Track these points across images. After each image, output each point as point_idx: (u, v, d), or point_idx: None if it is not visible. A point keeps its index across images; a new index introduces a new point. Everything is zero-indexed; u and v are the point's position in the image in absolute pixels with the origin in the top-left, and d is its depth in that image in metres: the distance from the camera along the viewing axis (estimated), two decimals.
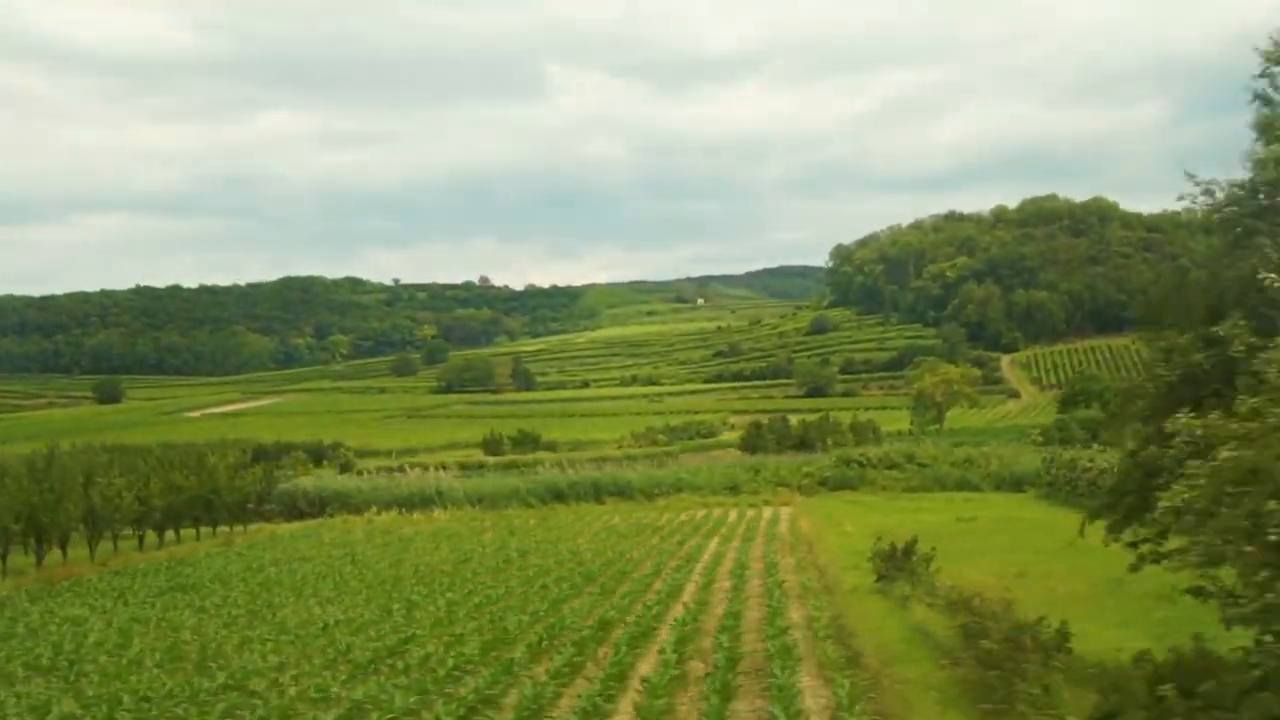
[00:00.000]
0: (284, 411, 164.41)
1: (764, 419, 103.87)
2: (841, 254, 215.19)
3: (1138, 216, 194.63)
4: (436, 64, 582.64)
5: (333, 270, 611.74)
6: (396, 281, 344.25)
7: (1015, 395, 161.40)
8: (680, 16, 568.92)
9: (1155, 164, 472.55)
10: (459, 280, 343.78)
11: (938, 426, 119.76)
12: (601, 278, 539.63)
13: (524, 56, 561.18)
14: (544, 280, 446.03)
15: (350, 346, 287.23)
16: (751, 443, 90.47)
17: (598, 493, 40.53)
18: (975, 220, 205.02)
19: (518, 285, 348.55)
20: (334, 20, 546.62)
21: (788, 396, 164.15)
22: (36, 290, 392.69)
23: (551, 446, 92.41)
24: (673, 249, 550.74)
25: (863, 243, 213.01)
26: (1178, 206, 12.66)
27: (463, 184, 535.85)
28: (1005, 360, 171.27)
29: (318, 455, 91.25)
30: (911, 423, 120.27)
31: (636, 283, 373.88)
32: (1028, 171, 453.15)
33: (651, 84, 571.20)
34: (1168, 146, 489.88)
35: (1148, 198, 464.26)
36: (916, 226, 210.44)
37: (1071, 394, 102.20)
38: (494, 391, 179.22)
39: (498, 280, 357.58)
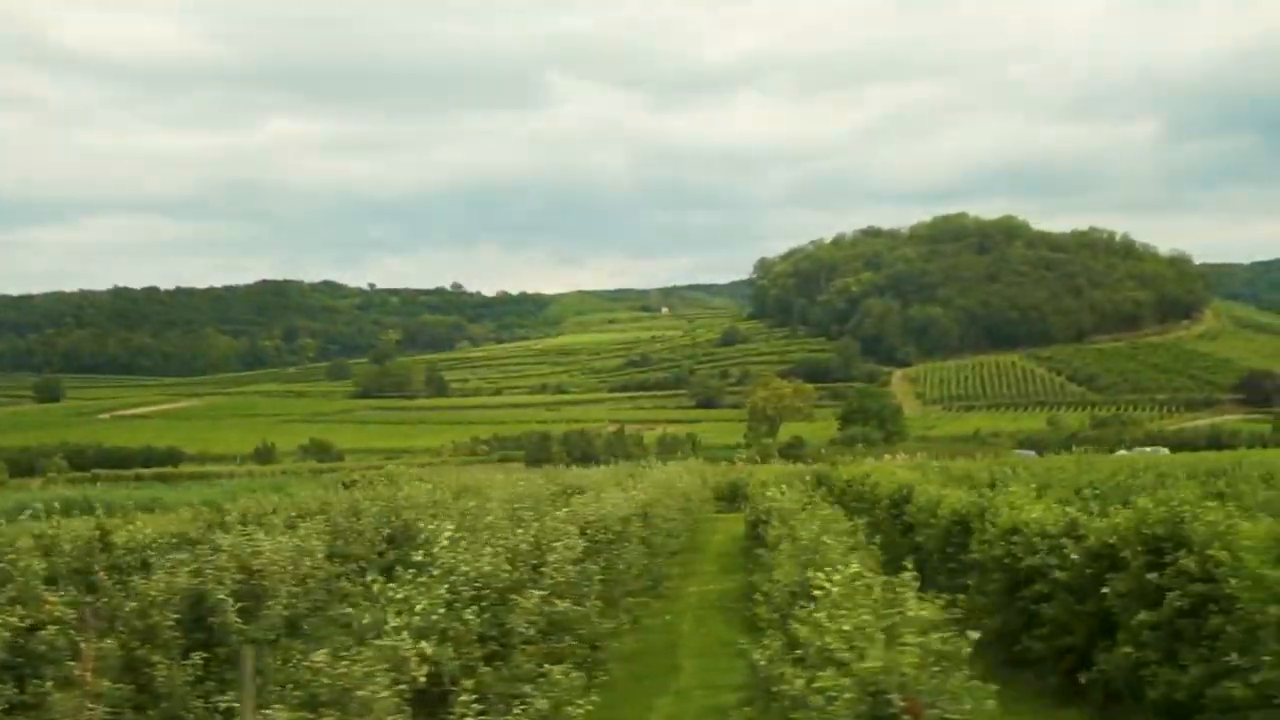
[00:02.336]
0: (191, 415, 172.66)
1: (558, 432, 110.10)
2: (764, 266, 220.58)
3: (1043, 235, 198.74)
4: (442, 74, 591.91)
5: (339, 275, 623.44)
6: (372, 286, 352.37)
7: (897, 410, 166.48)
8: (680, 30, 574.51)
9: (1146, 182, 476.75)
10: (431, 286, 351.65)
11: (770, 440, 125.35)
12: (600, 285, 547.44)
13: (527, 68, 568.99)
14: (550, 287, 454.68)
15: (317, 350, 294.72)
16: (536, 455, 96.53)
17: None
18: (891, 235, 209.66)
19: (513, 290, 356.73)
20: (342, 30, 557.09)
21: (680, 407, 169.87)
22: (37, 289, 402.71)
23: (340, 456, 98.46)
24: (674, 258, 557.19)
25: (785, 256, 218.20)
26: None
27: (467, 191, 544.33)
28: (897, 374, 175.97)
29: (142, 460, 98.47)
30: (745, 436, 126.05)
31: (620, 290, 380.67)
32: (1023, 186, 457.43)
33: (652, 96, 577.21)
34: (1159, 165, 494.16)
35: (1141, 215, 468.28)
36: (837, 243, 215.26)
37: (850, 411, 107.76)
38: (409, 398, 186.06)
39: (488, 288, 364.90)
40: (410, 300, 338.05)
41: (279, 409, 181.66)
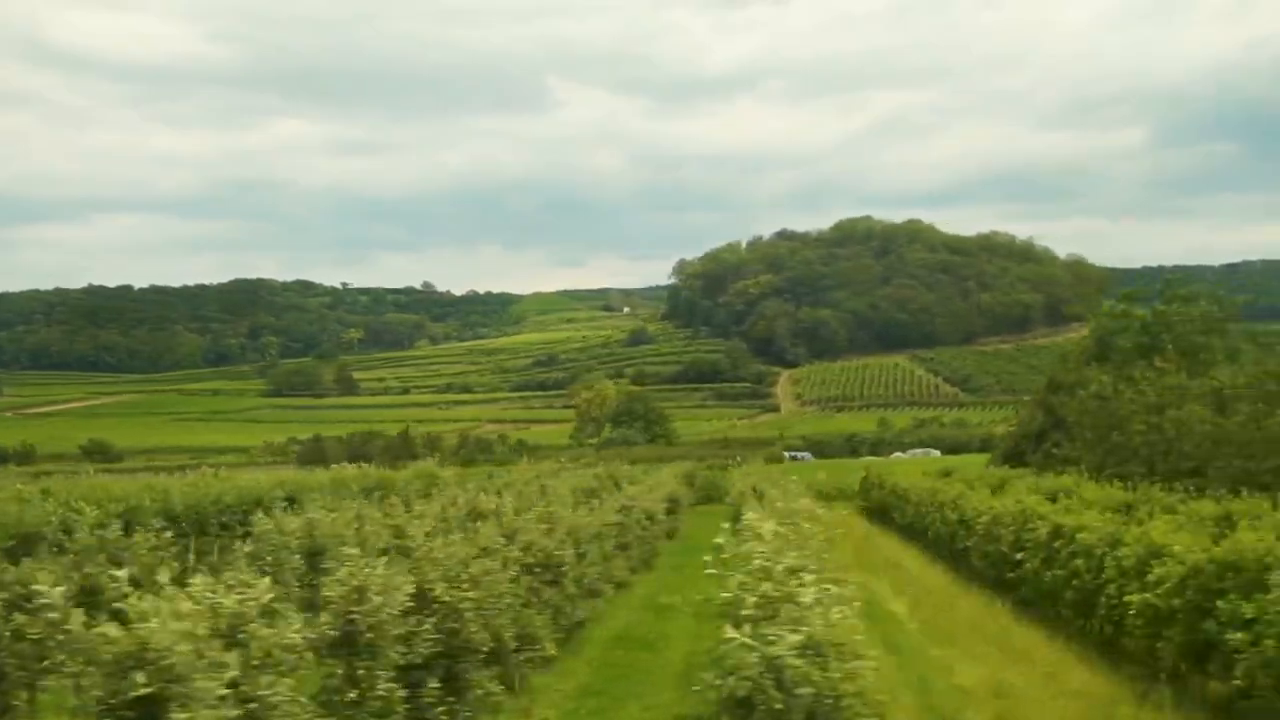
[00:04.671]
0: (100, 413, 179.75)
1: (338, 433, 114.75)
2: (681, 268, 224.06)
3: (943, 239, 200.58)
4: (443, 77, 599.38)
5: (335, 275, 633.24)
6: (344, 285, 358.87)
7: (775, 410, 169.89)
8: (678, 36, 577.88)
9: (1134, 188, 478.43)
10: (401, 285, 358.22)
11: (595, 440, 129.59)
12: (594, 284, 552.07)
13: (528, 72, 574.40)
14: (545, 286, 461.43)
15: (280, 348, 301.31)
16: (310, 456, 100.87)
17: None
18: (803, 239, 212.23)
19: (481, 290, 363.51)
20: (345, 33, 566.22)
21: (566, 406, 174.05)
22: (16, 287, 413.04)
23: (118, 456, 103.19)
24: (671, 259, 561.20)
25: (701, 258, 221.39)
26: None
27: (468, 193, 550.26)
28: (783, 375, 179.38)
29: None
30: (572, 436, 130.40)
31: (601, 290, 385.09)
32: (1015, 192, 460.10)
33: (651, 100, 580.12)
34: (1145, 171, 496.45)
35: (1127, 221, 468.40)
36: (752, 246, 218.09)
37: (617, 414, 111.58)
38: (317, 396, 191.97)
39: (480, 287, 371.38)
40: (379, 299, 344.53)
41: (189, 406, 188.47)
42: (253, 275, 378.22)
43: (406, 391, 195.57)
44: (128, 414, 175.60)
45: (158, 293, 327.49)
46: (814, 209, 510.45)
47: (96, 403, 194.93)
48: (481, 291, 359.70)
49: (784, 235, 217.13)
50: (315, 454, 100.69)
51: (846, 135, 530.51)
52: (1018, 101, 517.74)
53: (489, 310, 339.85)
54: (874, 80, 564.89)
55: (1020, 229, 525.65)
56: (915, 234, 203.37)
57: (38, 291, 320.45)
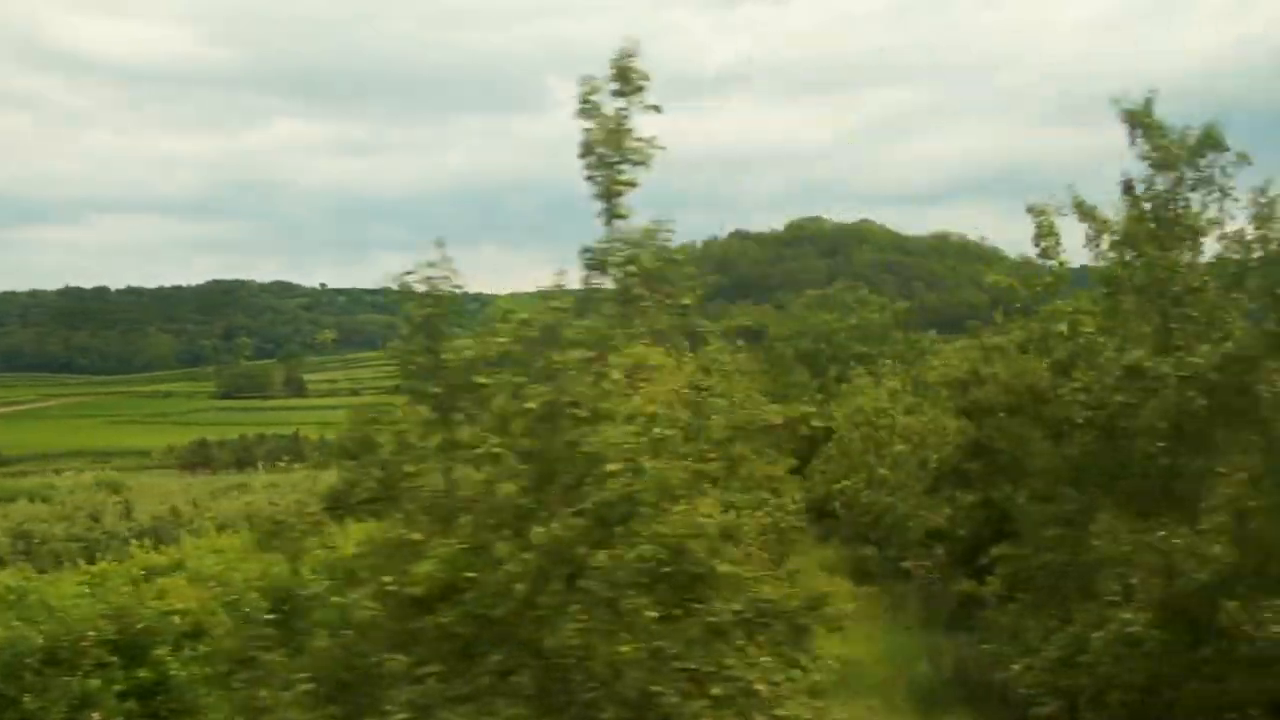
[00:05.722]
0: (43, 415, 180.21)
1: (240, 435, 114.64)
2: None
3: (894, 239, 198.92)
4: (443, 77, 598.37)
5: (335, 276, 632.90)
6: (323, 286, 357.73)
7: None
8: (679, 36, 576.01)
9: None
10: (379, 286, 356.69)
11: None
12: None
13: (528, 72, 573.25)
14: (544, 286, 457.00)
15: (254, 349, 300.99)
16: (191, 459, 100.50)
17: None
18: (757, 239, 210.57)
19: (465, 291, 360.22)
20: (345, 34, 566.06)
21: None
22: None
23: (3, 461, 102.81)
24: None
25: None
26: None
27: (468, 193, 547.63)
28: None
29: None
30: None
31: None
32: (1014, 191, 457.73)
33: (651, 99, 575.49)
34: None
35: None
36: (708, 246, 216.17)
37: None
38: (265, 398, 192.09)
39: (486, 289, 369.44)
40: (357, 299, 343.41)
41: (140, 408, 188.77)
42: (253, 277, 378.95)
43: (357, 393, 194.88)
44: (67, 417, 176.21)
45: (134, 294, 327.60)
46: (813, 208, 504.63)
47: (51, 404, 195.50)
48: (461, 293, 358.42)
49: (740, 234, 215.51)
50: (200, 457, 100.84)
51: (846, 134, 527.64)
52: (1017, 101, 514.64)
53: (466, 310, 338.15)
54: (874, 80, 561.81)
55: (1018, 229, 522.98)
56: (866, 234, 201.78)
57: (14, 293, 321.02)
